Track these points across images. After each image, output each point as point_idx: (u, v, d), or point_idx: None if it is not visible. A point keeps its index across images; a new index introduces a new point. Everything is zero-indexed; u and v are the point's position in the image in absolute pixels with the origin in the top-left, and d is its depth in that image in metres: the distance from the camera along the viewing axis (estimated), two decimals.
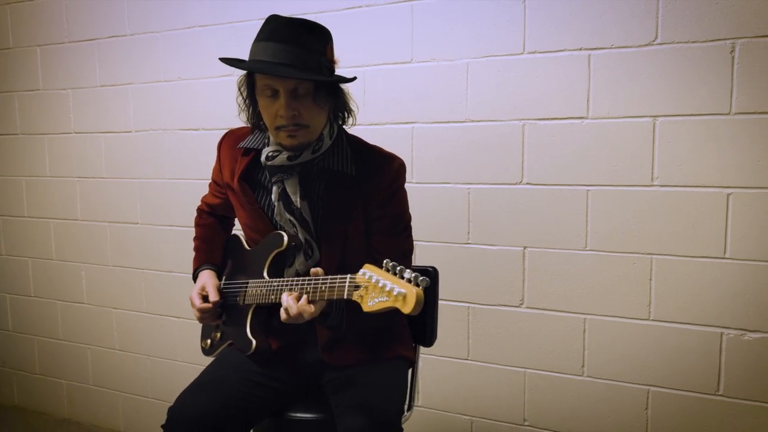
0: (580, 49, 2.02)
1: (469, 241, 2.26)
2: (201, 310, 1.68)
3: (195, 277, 1.78)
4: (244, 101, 1.62)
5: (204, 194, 1.92)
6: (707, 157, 1.91)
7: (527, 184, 2.15)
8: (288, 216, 1.61)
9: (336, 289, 1.37)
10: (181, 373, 2.86)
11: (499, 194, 2.19)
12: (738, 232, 1.89)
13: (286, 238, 1.58)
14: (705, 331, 1.96)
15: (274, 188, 1.61)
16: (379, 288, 1.24)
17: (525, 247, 2.18)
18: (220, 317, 1.73)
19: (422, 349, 1.96)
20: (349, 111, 1.65)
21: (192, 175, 2.72)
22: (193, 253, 1.86)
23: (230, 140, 1.75)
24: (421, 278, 1.20)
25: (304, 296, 1.43)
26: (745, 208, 1.88)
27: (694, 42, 1.89)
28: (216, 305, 1.68)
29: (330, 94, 1.56)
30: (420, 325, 1.86)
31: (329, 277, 1.39)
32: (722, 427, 1.97)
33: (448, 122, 2.24)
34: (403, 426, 1.58)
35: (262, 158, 1.61)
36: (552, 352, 2.18)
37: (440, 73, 2.23)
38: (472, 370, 2.31)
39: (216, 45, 2.61)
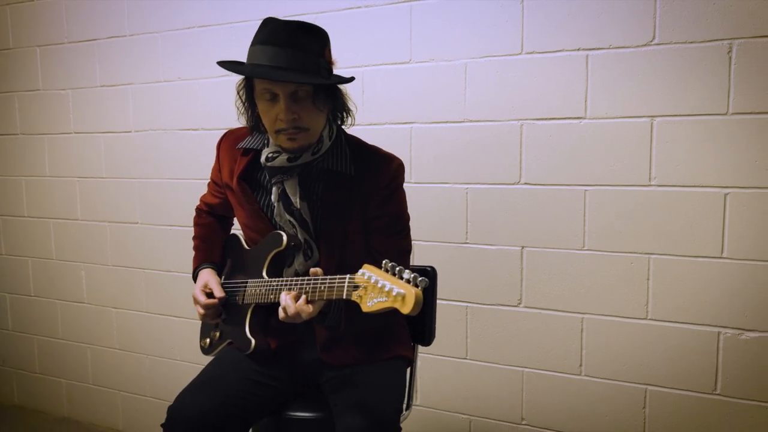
0: (578, 50, 2.03)
1: (468, 241, 2.26)
2: (206, 306, 1.68)
3: (195, 277, 1.79)
4: (243, 104, 1.62)
5: (203, 194, 1.93)
6: (705, 157, 1.91)
7: (525, 184, 2.15)
8: (288, 217, 1.61)
9: (335, 289, 1.37)
10: (181, 372, 2.86)
11: (497, 194, 2.20)
12: (735, 232, 1.90)
13: (285, 238, 1.59)
14: (702, 330, 1.97)
15: (274, 189, 1.62)
16: (378, 288, 1.25)
17: (523, 247, 2.18)
18: (220, 315, 1.73)
19: (421, 349, 1.97)
20: (348, 111, 1.65)
21: (191, 174, 2.73)
22: (192, 253, 1.86)
23: (229, 140, 1.75)
24: (420, 279, 1.20)
25: (303, 296, 1.44)
26: (743, 207, 1.88)
27: (691, 42, 1.89)
28: (221, 301, 1.68)
29: (329, 95, 1.56)
30: (418, 325, 1.86)
31: (328, 277, 1.40)
32: (719, 426, 1.98)
33: (447, 122, 2.24)
34: (402, 425, 1.59)
35: (262, 159, 1.61)
36: (550, 351, 2.19)
37: (439, 73, 2.23)
38: (470, 370, 2.32)
39: (215, 45, 2.61)
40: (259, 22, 1.54)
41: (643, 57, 1.95)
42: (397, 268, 1.25)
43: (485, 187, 2.21)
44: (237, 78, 1.60)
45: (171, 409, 1.55)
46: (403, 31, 2.27)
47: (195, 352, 2.06)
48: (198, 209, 1.93)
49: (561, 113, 2.08)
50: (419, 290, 1.20)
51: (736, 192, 1.89)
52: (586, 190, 2.07)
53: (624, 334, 2.07)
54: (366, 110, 2.34)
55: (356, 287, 1.32)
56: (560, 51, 2.05)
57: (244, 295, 1.66)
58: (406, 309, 1.20)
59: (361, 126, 2.23)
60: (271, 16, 1.55)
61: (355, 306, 1.32)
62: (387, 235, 1.65)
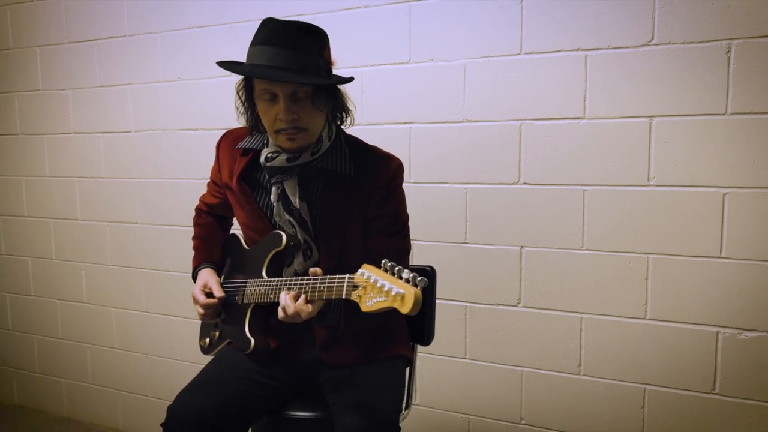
0: (577, 50, 2.03)
1: (467, 241, 2.27)
2: (205, 306, 1.68)
3: (194, 277, 1.79)
4: (243, 105, 1.62)
5: (202, 194, 1.93)
6: (703, 157, 1.92)
7: (524, 183, 2.16)
8: (287, 217, 1.62)
9: (334, 288, 1.38)
10: (180, 371, 2.87)
11: (496, 194, 2.20)
12: (734, 232, 1.90)
13: (284, 238, 1.59)
14: (701, 330, 1.97)
15: (273, 189, 1.62)
16: (378, 288, 1.25)
17: (522, 247, 2.19)
18: (220, 315, 1.73)
19: (420, 348, 1.97)
20: (347, 111, 1.65)
21: (191, 174, 2.73)
22: (192, 253, 1.87)
23: (229, 140, 1.75)
24: (419, 279, 1.20)
25: (302, 296, 1.44)
26: (741, 207, 1.89)
27: (690, 42, 1.90)
28: (221, 301, 1.69)
29: (328, 96, 1.57)
30: (418, 325, 1.87)
31: (327, 276, 1.40)
32: (718, 426, 1.98)
33: (446, 122, 2.25)
34: (401, 424, 1.59)
35: (261, 159, 1.61)
36: (549, 351, 2.19)
37: (438, 73, 2.24)
38: (469, 369, 2.32)
39: (215, 45, 2.61)
40: (259, 22, 1.54)
41: (641, 57, 1.95)
42: (396, 268, 1.25)
43: (484, 187, 2.22)
44: (236, 78, 1.60)
45: (171, 409, 1.56)
46: (403, 32, 2.27)
47: (194, 352, 2.06)
48: (197, 209, 1.94)
49: (560, 113, 2.08)
50: (419, 290, 1.20)
51: (734, 192, 1.89)
52: (585, 190, 2.08)
53: (623, 334, 2.07)
54: (365, 110, 2.34)
55: (355, 287, 1.32)
56: (559, 51, 2.06)
57: (243, 294, 1.66)
58: (405, 309, 1.20)
59: (361, 126, 2.24)
60: (270, 16, 1.55)
61: (355, 306, 1.32)
62: (386, 235, 1.65)
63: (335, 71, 1.58)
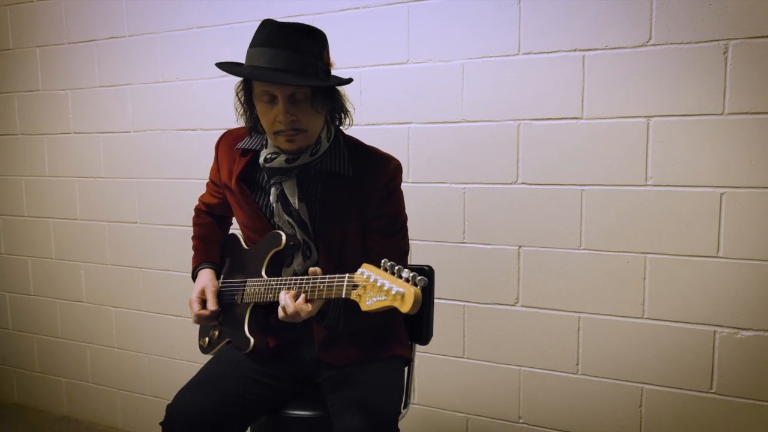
0: (575, 50, 2.04)
1: (465, 241, 2.27)
2: (198, 316, 1.70)
3: (194, 276, 1.80)
4: (242, 106, 1.63)
5: (202, 194, 1.94)
6: (701, 157, 1.92)
7: (522, 183, 2.17)
8: (286, 217, 1.62)
9: (334, 288, 1.38)
10: (180, 371, 2.87)
11: (494, 194, 2.21)
12: (731, 232, 1.91)
13: (284, 238, 1.60)
14: (698, 329, 1.98)
15: (273, 190, 1.63)
16: (378, 287, 1.25)
17: (520, 246, 2.19)
18: (217, 318, 1.74)
19: (418, 347, 1.98)
20: (346, 112, 1.66)
21: (190, 174, 2.73)
22: (191, 253, 1.87)
23: (228, 141, 1.76)
24: (419, 278, 1.21)
25: (302, 295, 1.44)
26: (739, 207, 1.90)
27: (687, 43, 1.90)
28: (213, 314, 1.69)
29: (327, 97, 1.57)
30: (416, 324, 1.87)
31: (327, 276, 1.40)
32: (715, 425, 1.99)
33: (444, 122, 2.25)
34: (400, 424, 1.60)
35: (261, 160, 1.62)
36: (547, 350, 2.20)
37: (436, 73, 2.24)
38: (467, 368, 2.33)
39: (214, 46, 2.62)
40: (258, 23, 1.54)
41: (639, 57, 1.96)
42: (396, 267, 1.25)
43: (482, 186, 2.22)
44: (235, 78, 1.60)
45: (170, 408, 1.56)
46: (401, 32, 2.28)
47: (194, 351, 2.07)
48: (197, 209, 1.94)
49: (558, 113, 2.09)
50: (418, 289, 1.20)
51: (732, 192, 1.90)
52: (582, 190, 2.09)
53: (620, 333, 2.08)
54: (364, 111, 2.35)
55: (355, 286, 1.32)
56: (557, 51, 2.06)
57: (243, 294, 1.67)
58: (405, 308, 1.20)
59: (359, 126, 2.24)
60: (269, 17, 1.56)
61: (354, 305, 1.32)
62: (385, 236, 1.65)
63: (334, 72, 1.59)
